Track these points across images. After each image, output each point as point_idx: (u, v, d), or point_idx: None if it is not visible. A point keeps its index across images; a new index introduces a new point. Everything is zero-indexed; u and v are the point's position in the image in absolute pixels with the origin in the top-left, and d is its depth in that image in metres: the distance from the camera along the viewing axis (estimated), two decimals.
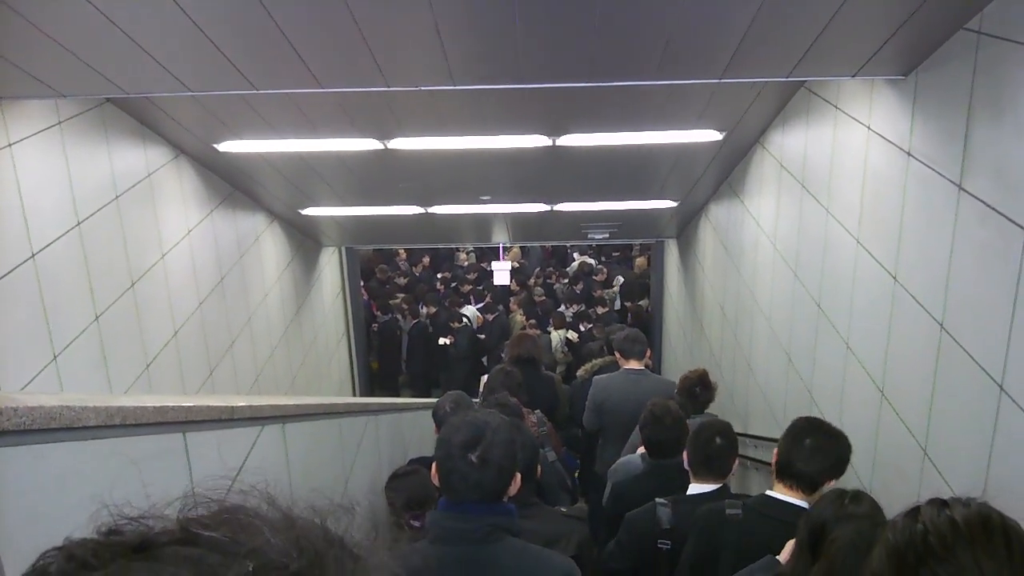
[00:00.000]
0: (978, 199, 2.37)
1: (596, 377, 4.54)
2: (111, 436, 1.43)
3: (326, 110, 3.95)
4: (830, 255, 3.74)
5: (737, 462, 2.76)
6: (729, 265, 6.07)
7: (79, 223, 3.47)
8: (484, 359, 9.61)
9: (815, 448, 2.19)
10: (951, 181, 2.54)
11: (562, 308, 10.38)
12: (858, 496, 1.71)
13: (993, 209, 2.29)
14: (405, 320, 10.05)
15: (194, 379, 4.75)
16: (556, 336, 9.50)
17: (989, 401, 2.30)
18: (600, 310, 10.20)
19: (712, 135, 4.58)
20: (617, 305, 10.69)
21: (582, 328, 9.57)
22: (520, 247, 12.13)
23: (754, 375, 5.30)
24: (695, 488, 2.67)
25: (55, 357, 3.20)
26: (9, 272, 2.96)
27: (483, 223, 8.33)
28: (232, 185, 5.56)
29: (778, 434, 4.52)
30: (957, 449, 2.56)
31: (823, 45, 2.66)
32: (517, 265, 12.01)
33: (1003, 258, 2.23)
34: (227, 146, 4.52)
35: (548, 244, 12.37)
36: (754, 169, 5.16)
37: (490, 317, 9.86)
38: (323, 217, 7.26)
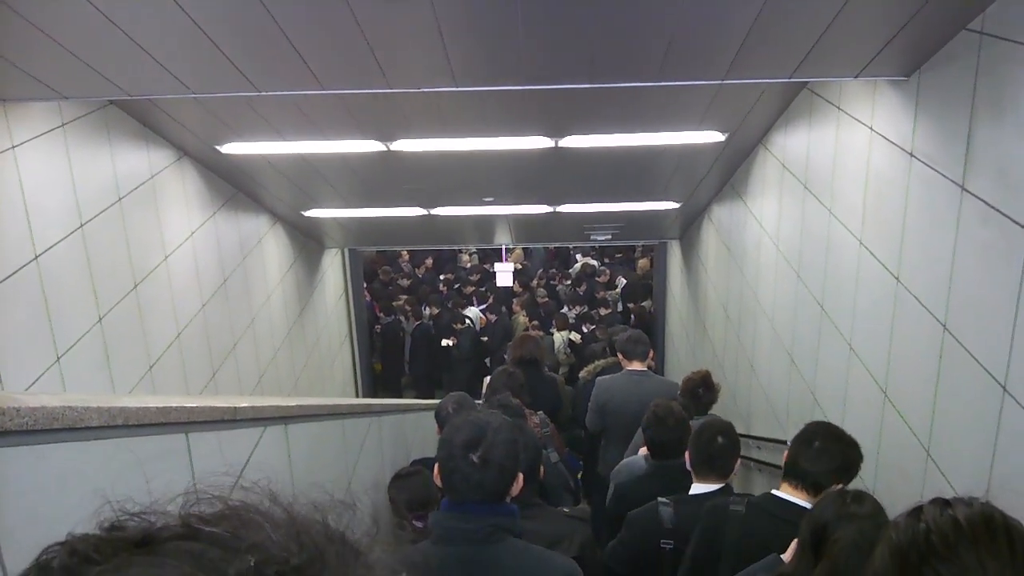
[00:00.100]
0: (981, 200, 2.37)
1: (599, 378, 4.54)
2: (113, 436, 1.44)
3: (328, 112, 3.96)
4: (833, 256, 3.74)
5: (739, 462, 2.76)
6: (732, 266, 6.06)
7: (82, 225, 3.48)
8: (487, 360, 9.61)
9: (822, 450, 2.19)
10: (954, 182, 2.53)
11: (565, 309, 10.38)
12: (860, 496, 1.71)
13: (996, 210, 2.28)
14: (408, 321, 10.06)
15: (197, 381, 4.76)
16: (559, 337, 9.49)
17: (992, 401, 2.29)
18: (603, 311, 10.20)
19: (715, 136, 4.58)
20: (619, 307, 10.69)
21: (585, 329, 9.56)
22: (523, 248, 12.14)
23: (757, 376, 5.29)
24: (697, 488, 2.67)
25: (58, 359, 3.21)
26: (13, 274, 2.97)
27: (486, 224, 8.34)
28: (235, 187, 5.57)
29: (781, 435, 4.55)
30: (960, 449, 2.55)
31: (825, 46, 2.66)
32: (520, 267, 12.02)
33: (1006, 258, 2.22)
34: (230, 148, 4.53)
35: (551, 245, 12.38)
36: (757, 170, 5.16)
37: (493, 317, 9.86)
38: (326, 219, 7.27)
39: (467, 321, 9.77)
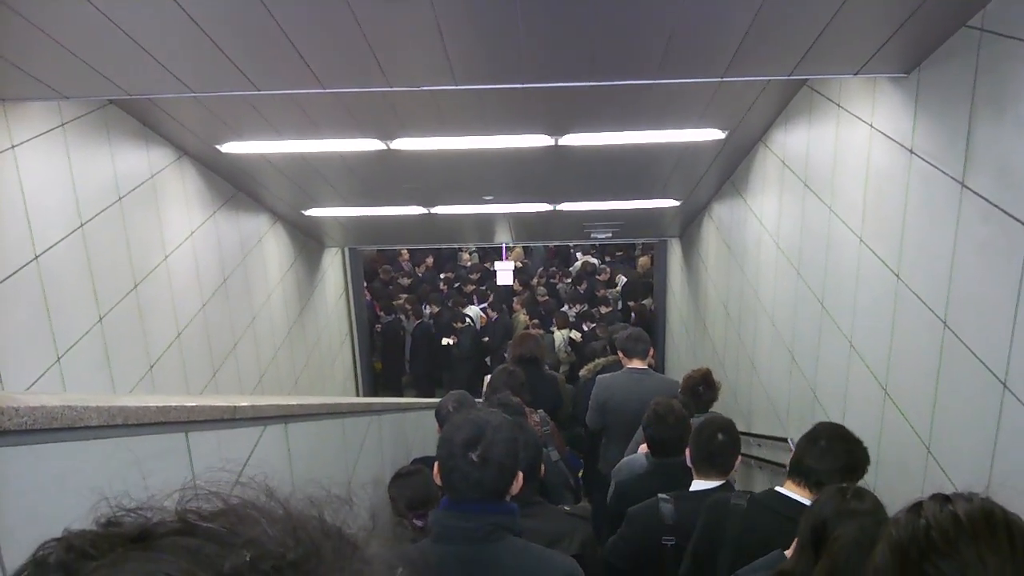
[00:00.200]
0: (981, 196, 2.37)
1: (599, 376, 4.54)
2: (113, 436, 1.43)
3: (328, 110, 3.95)
4: (833, 253, 3.73)
5: (739, 460, 2.76)
6: (732, 264, 6.06)
7: (82, 225, 3.48)
8: (487, 359, 9.61)
9: (828, 448, 2.20)
10: (954, 179, 2.53)
11: (565, 308, 10.38)
12: (860, 493, 1.71)
13: (996, 206, 2.28)
14: (408, 320, 10.07)
15: (197, 380, 4.76)
16: (559, 336, 9.50)
17: (992, 398, 2.29)
18: (603, 310, 10.19)
19: (715, 134, 4.58)
20: (619, 305, 10.69)
21: (585, 328, 9.56)
22: (523, 247, 12.13)
23: (757, 374, 5.29)
24: (698, 485, 2.67)
25: (59, 358, 3.21)
26: (13, 274, 2.97)
27: (486, 223, 8.34)
28: (235, 186, 5.57)
29: (781, 433, 4.55)
30: (960, 446, 2.55)
31: (825, 43, 2.66)
32: (520, 265, 12.02)
33: (1006, 255, 2.22)
34: (230, 147, 4.53)
35: (551, 244, 12.37)
36: (757, 167, 5.15)
37: (494, 316, 9.86)
38: (326, 218, 7.27)
39: (467, 320, 9.77)
